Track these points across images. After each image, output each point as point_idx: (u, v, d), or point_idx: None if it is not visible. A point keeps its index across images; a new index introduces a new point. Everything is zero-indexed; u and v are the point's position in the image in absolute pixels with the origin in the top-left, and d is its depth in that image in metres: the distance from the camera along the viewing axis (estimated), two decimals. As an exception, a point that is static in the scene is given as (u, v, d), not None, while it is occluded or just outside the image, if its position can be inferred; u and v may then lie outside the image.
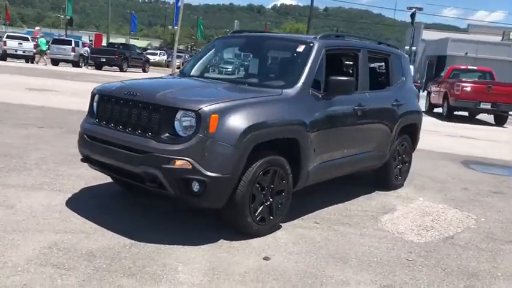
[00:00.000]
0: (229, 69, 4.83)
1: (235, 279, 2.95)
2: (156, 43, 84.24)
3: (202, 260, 3.17)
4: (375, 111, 4.87)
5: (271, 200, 3.69)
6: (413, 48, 37.34)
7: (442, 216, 4.69)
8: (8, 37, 27.83)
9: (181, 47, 78.26)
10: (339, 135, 4.39)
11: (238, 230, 3.59)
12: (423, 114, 6.14)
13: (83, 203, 4.12)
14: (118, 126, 3.59)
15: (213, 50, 5.07)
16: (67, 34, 39.17)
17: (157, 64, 39.21)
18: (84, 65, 28.58)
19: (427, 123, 9.14)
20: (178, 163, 3.22)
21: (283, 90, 3.92)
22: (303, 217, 4.24)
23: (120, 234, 3.46)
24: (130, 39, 56.33)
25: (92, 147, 3.75)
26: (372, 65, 5.34)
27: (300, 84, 3.98)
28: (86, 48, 30.03)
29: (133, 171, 3.43)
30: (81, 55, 28.25)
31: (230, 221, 3.59)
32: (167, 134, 3.34)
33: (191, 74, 4.74)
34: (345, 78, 4.15)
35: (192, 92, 3.83)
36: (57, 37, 36.71)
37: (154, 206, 4.20)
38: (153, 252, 3.22)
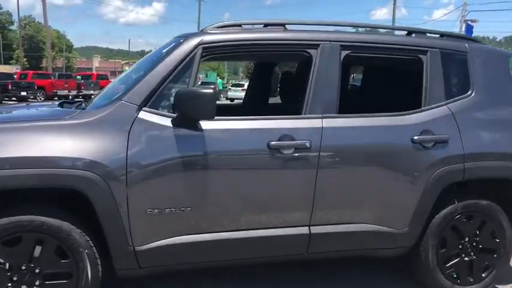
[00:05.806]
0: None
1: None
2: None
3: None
4: (349, 150, 2.72)
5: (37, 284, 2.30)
6: None
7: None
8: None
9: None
10: (225, 192, 2.54)
11: None
12: None
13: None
14: None
15: None
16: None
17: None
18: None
19: None
20: None
21: (81, 112, 2.55)
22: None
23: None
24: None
25: None
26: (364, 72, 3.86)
27: (118, 103, 2.44)
28: None
29: None
30: None
31: None
32: None
33: None
34: (202, 90, 2.35)
35: None
36: None
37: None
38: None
